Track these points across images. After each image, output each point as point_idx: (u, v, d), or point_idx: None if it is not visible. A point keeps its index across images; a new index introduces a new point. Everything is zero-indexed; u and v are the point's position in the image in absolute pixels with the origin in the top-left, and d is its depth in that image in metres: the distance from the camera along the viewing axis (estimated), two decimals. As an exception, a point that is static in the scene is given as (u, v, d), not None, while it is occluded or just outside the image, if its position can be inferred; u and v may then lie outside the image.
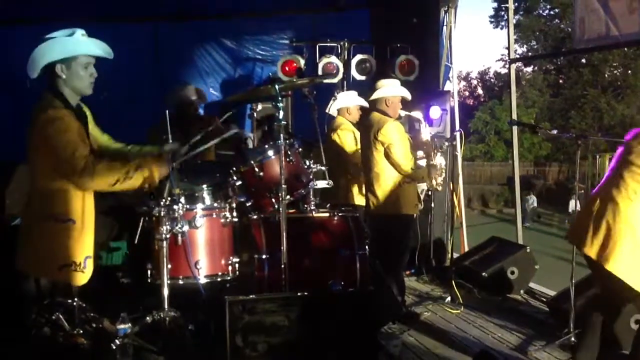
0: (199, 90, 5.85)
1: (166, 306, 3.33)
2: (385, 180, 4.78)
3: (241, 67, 8.34)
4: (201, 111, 6.09)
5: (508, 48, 7.83)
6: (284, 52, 7.94)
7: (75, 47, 3.20)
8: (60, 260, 3.22)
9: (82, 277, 3.27)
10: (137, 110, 6.76)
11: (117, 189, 3.22)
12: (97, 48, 3.27)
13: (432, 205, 6.48)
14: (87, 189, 3.23)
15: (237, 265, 3.68)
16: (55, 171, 3.16)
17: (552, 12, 31.93)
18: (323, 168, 4.03)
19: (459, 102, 7.88)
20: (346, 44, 7.45)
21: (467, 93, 40.60)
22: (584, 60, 27.65)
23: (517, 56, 17.48)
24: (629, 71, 28.23)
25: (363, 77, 7.35)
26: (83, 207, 3.29)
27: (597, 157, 21.28)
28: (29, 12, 6.72)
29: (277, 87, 3.48)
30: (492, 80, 38.93)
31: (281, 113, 3.49)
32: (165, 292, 3.33)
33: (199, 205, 3.57)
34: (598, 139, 22.68)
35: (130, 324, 3.24)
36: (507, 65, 7.57)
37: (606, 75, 28.99)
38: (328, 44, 7.38)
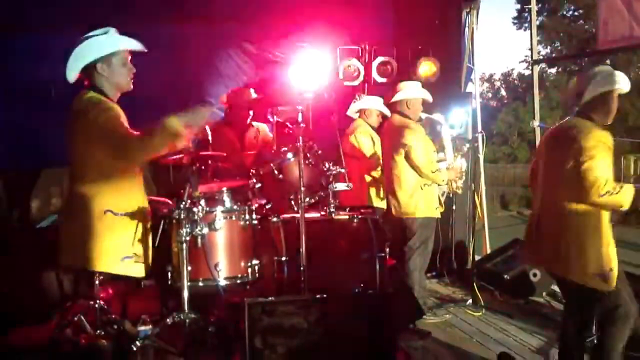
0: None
1: (186, 308, 3.34)
2: (406, 182, 4.77)
3: (262, 70, 8.37)
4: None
5: (531, 49, 7.75)
6: (305, 55, 7.96)
7: (113, 44, 3.29)
8: (122, 253, 3.26)
9: (142, 268, 3.34)
10: (156, 113, 6.81)
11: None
12: (133, 43, 3.37)
13: (454, 207, 6.44)
14: (143, 160, 3.31)
15: (257, 267, 3.69)
16: (111, 157, 3.18)
17: (576, 13, 31.53)
18: (342, 170, 4.02)
19: (482, 103, 7.80)
20: (367, 46, 7.43)
21: (490, 95, 40.26)
22: (608, 62, 27.21)
23: (541, 57, 17.29)
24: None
25: (384, 80, 7.32)
26: (138, 200, 3.35)
27: (622, 158, 20.95)
28: (49, 20, 6.83)
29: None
30: (515, 81, 38.56)
31: (300, 116, 3.50)
32: (185, 294, 3.35)
33: (219, 208, 3.59)
34: (622, 140, 22.33)
35: (150, 326, 3.27)
36: (530, 67, 7.54)
37: (631, 77, 28.54)
38: (349, 47, 7.37)
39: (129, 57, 3.37)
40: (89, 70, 3.27)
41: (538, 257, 3.50)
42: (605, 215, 3.21)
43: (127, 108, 3.51)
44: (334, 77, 7.09)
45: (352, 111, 5.92)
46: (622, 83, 3.29)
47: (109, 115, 3.18)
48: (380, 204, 5.41)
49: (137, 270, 3.32)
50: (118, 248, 3.25)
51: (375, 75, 7.30)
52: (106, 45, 3.27)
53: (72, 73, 3.27)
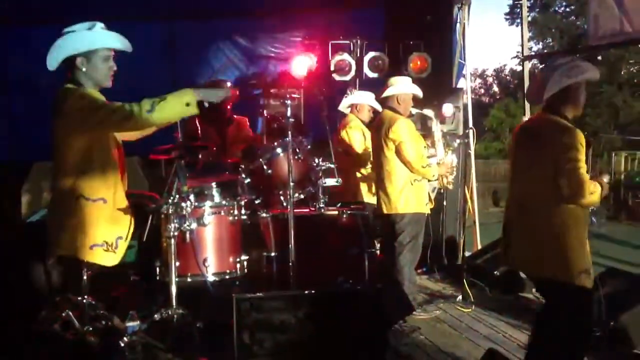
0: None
1: (174, 304, 3.33)
2: (397, 178, 4.76)
3: (254, 64, 8.36)
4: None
5: (522, 45, 7.77)
6: (297, 49, 7.95)
7: (95, 40, 3.27)
8: (91, 240, 3.23)
9: (113, 258, 3.29)
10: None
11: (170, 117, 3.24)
12: (117, 41, 3.34)
13: (445, 203, 6.42)
14: (150, 124, 3.25)
15: (245, 263, 3.68)
16: (95, 140, 3.20)
17: (567, 9, 31.64)
18: (332, 166, 4.01)
19: (474, 99, 7.81)
20: (359, 41, 7.42)
21: (482, 90, 40.35)
22: (600, 58, 27.31)
23: (532, 53, 17.32)
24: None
25: (375, 75, 7.32)
26: (115, 189, 3.33)
27: (613, 154, 21.05)
28: (43, 13, 6.78)
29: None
30: (507, 77, 38.66)
31: (289, 110, 3.48)
32: (174, 289, 3.34)
33: (207, 203, 3.57)
34: (612, 137, 22.47)
35: (138, 322, 3.26)
36: (521, 63, 7.54)
37: (622, 73, 28.65)
38: (341, 42, 7.37)
39: (112, 54, 3.34)
40: (68, 62, 3.26)
41: (513, 256, 3.39)
42: (582, 213, 3.17)
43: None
44: (326, 71, 7.08)
45: (343, 106, 5.90)
46: (588, 73, 3.19)
47: (90, 99, 3.19)
48: (371, 199, 5.40)
49: (107, 259, 3.27)
50: (88, 234, 3.23)
51: (366, 70, 7.30)
52: (87, 41, 3.26)
53: (53, 62, 3.27)
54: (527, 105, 7.40)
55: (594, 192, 3.06)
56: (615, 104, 26.62)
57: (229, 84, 5.74)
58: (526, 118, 6.23)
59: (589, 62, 3.44)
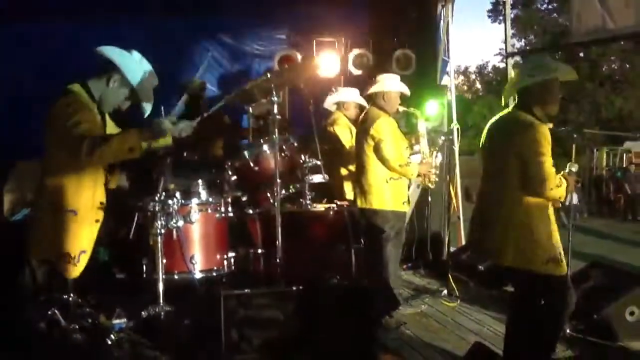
0: (203, 84, 5.85)
1: (161, 301, 3.33)
2: (373, 175, 4.73)
3: (238, 62, 8.32)
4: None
5: (505, 42, 7.80)
6: (282, 47, 7.94)
7: (137, 78, 3.38)
8: (57, 250, 3.28)
9: (74, 270, 3.31)
10: (133, 106, 6.77)
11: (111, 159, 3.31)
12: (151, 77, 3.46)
13: (429, 199, 6.47)
14: (89, 165, 3.28)
15: (232, 260, 3.68)
16: (73, 157, 3.21)
17: (550, 6, 31.90)
18: (318, 163, 4.02)
19: (457, 96, 7.85)
20: (343, 38, 7.44)
21: (465, 87, 40.56)
22: (582, 54, 27.60)
23: (515, 50, 17.46)
24: (627, 65, 28.22)
25: (360, 72, 7.34)
26: (86, 201, 3.35)
27: (595, 150, 21.28)
28: (25, 10, 6.71)
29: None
30: (490, 74, 38.91)
31: (275, 108, 3.49)
32: (161, 287, 3.34)
33: (194, 200, 3.57)
34: (594, 133, 22.67)
35: (125, 319, 3.26)
36: (504, 60, 7.61)
37: (604, 69, 28.97)
38: (325, 39, 7.38)
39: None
40: (105, 68, 3.35)
41: (483, 246, 3.46)
42: (548, 204, 3.24)
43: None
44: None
45: (329, 103, 5.91)
46: (556, 72, 3.23)
47: (75, 120, 3.18)
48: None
49: (68, 271, 3.32)
50: (55, 244, 3.28)
51: (351, 67, 7.32)
52: (136, 75, 3.37)
53: (106, 55, 3.36)
54: (510, 102, 7.48)
55: (559, 185, 3.15)
56: (596, 100, 26.90)
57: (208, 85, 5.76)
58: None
59: (563, 62, 3.51)
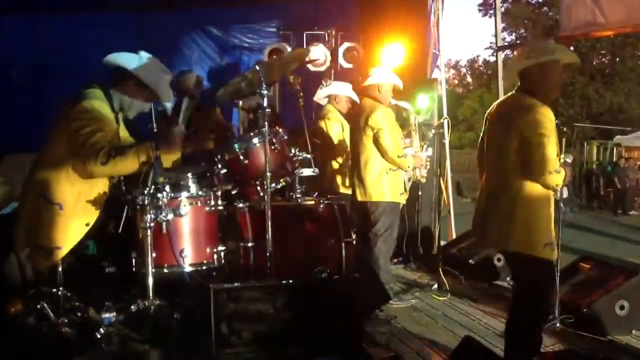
0: (200, 79, 5.81)
1: (151, 295, 3.32)
2: (372, 166, 4.79)
3: (228, 55, 8.30)
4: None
5: (495, 36, 7.82)
6: (271, 40, 7.91)
7: (152, 77, 3.43)
8: (34, 240, 3.36)
9: (42, 264, 3.40)
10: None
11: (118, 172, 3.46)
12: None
13: (420, 193, 6.46)
14: (98, 174, 3.36)
15: (222, 253, 3.67)
16: (72, 155, 3.31)
17: (540, 0, 31.94)
18: (308, 156, 4.01)
19: (448, 90, 7.86)
20: (334, 31, 7.42)
21: (456, 81, 40.64)
22: (572, 48, 27.68)
23: (505, 44, 17.48)
24: (617, 59, 28.35)
25: (350, 65, 7.33)
26: (75, 198, 3.39)
27: (585, 144, 21.38)
28: (11, 2, 6.64)
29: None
30: (481, 68, 38.99)
31: (265, 101, 3.48)
32: (150, 280, 3.32)
33: (184, 194, 3.55)
34: (585, 127, 22.80)
35: (115, 313, 3.25)
36: (495, 53, 7.59)
37: (594, 63, 29.10)
38: (315, 32, 7.36)
39: None
40: (123, 73, 3.42)
41: (489, 237, 3.44)
42: (548, 190, 3.22)
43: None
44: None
45: (319, 97, 5.90)
46: (559, 53, 3.22)
47: (92, 129, 3.26)
48: (346, 190, 5.42)
49: (39, 263, 3.40)
50: (35, 233, 3.36)
51: (341, 60, 7.31)
52: (149, 73, 3.43)
53: (119, 63, 3.43)
54: (501, 95, 7.49)
55: (558, 171, 3.12)
56: (587, 94, 27.01)
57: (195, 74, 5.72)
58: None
59: (562, 46, 3.49)
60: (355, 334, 3.37)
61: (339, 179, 5.56)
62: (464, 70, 41.46)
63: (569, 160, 4.10)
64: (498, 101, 3.50)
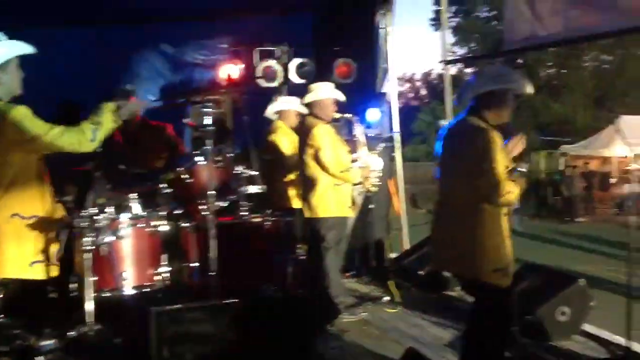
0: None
1: (92, 320, 3.24)
2: (317, 183, 4.80)
3: (180, 72, 8.21)
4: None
5: (443, 49, 7.97)
6: (224, 56, 7.88)
7: (8, 50, 3.20)
8: (31, 257, 3.18)
9: (54, 269, 3.24)
10: (75, 115, 6.58)
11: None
12: (26, 47, 3.26)
13: (371, 206, 6.50)
14: (88, 149, 3.19)
15: (167, 275, 3.61)
16: (33, 152, 3.18)
17: (489, 14, 32.72)
18: (254, 173, 4.00)
19: (403, 103, 7.96)
20: (285, 47, 7.44)
21: (411, 95, 41.26)
22: (520, 61, 28.40)
23: (453, 58, 17.87)
24: (563, 70, 29.19)
25: (303, 81, 7.34)
26: (45, 205, 3.26)
27: (532, 154, 21.88)
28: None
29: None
30: (435, 81, 39.67)
31: (209, 119, 3.46)
32: (90, 305, 3.24)
33: (124, 215, 3.49)
34: (532, 138, 23.33)
35: (54, 340, 3.15)
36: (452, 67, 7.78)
37: (541, 75, 29.88)
38: (268, 48, 7.37)
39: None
40: None
41: (440, 257, 3.49)
42: (500, 213, 3.25)
43: (44, 110, 3.40)
44: (252, 78, 7.06)
45: (269, 113, 5.90)
46: (513, 84, 3.30)
47: (24, 114, 3.13)
48: (299, 204, 5.41)
49: (51, 271, 3.24)
50: (26, 252, 3.17)
51: (293, 76, 7.32)
52: (3, 52, 3.17)
53: None
54: (449, 109, 7.63)
55: (511, 191, 3.14)
56: (535, 105, 27.68)
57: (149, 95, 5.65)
58: (443, 122, 6.40)
59: (520, 74, 3.57)
60: (305, 351, 3.35)
61: (292, 193, 5.55)
62: (418, 83, 42.16)
63: (524, 169, 4.18)
64: (450, 123, 3.53)
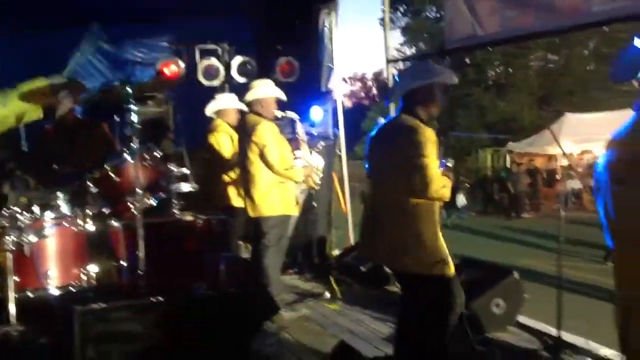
0: (73, 88, 5.61)
1: (14, 321, 3.15)
2: (261, 181, 4.79)
3: (120, 70, 8.07)
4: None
5: (386, 49, 8.04)
6: (164, 54, 7.77)
7: None
8: None
9: None
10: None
11: None
12: None
13: (315, 204, 6.51)
14: None
15: (94, 274, 3.54)
16: None
17: (437, 15, 33.20)
18: (186, 171, 3.95)
19: (354, 102, 8.00)
20: (227, 46, 7.39)
21: (362, 94, 41.59)
22: (468, 60, 28.90)
23: (397, 57, 18.10)
24: (509, 69, 29.83)
25: (244, 80, 7.30)
26: None
27: (480, 151, 22.37)
28: None
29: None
30: (385, 81, 40.04)
31: (135, 116, 3.40)
32: (12, 306, 3.15)
33: (48, 214, 3.41)
34: (481, 136, 23.82)
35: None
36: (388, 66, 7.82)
37: (489, 74, 30.49)
38: (209, 46, 7.30)
39: None
40: None
41: (375, 253, 3.51)
42: (435, 207, 3.29)
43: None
44: (193, 76, 6.99)
45: (210, 111, 5.85)
46: (438, 77, 3.31)
47: None
48: (240, 203, 5.39)
49: None
50: None
51: (235, 74, 7.27)
52: None
53: None
54: (392, 107, 7.70)
55: (445, 186, 3.20)
56: (482, 104, 28.23)
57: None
58: (382, 119, 6.46)
59: (445, 66, 3.61)
60: (239, 349, 3.33)
61: (232, 191, 5.52)
62: (369, 83, 42.53)
63: (449, 164, 4.27)
64: (382, 123, 3.56)
